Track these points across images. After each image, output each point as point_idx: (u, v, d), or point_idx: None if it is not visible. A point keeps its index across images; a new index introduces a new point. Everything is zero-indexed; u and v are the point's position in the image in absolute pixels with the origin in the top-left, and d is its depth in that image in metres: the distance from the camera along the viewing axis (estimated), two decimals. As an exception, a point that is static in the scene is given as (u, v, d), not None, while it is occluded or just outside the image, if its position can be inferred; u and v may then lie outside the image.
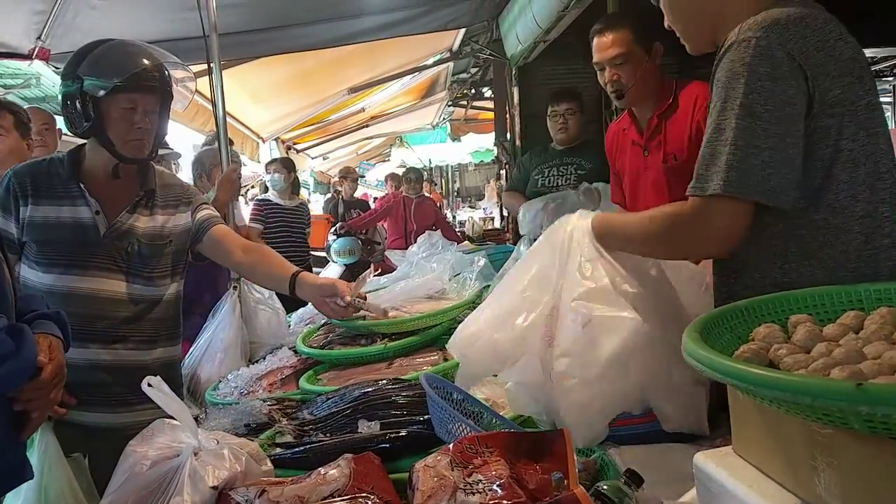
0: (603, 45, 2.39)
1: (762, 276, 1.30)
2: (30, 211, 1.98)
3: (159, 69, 2.02)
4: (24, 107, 3.04)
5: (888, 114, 15.27)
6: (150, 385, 1.34)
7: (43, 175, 2.03)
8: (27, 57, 3.60)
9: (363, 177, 8.40)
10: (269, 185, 5.56)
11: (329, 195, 8.51)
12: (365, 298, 2.13)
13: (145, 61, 1.99)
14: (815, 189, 1.24)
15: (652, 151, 2.41)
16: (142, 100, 1.99)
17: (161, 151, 3.67)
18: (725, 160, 1.21)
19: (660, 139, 2.37)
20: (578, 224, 1.47)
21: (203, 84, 2.97)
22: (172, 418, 1.38)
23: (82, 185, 2.02)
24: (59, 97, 2.01)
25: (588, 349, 1.30)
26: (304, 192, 6.50)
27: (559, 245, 1.45)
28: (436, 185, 16.11)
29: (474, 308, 2.54)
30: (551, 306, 1.40)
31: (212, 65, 3.00)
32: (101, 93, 1.92)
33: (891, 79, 11.27)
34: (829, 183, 1.24)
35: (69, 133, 2.14)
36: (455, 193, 18.04)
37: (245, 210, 5.35)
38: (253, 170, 8.13)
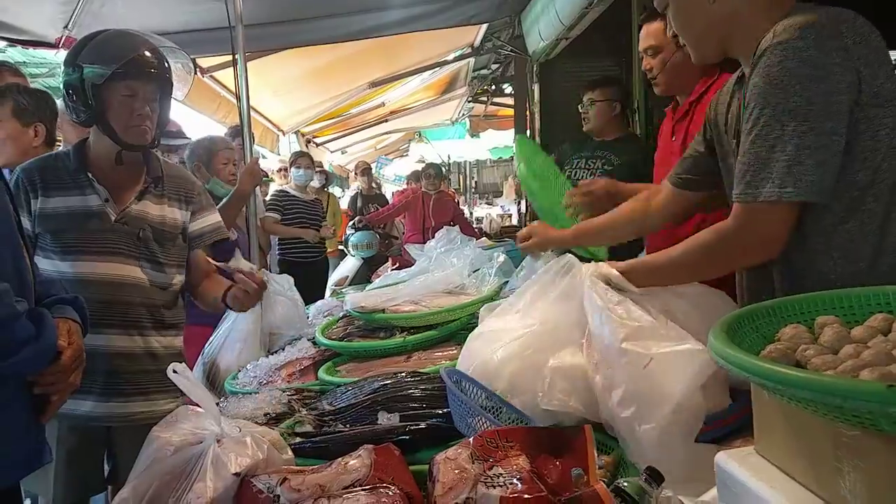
0: (641, 36, 2.49)
1: (808, 274, 1.31)
2: (40, 203, 2.02)
3: (158, 56, 2.05)
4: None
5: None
6: (175, 371, 1.35)
7: (50, 168, 2.07)
8: (53, 46, 3.64)
9: (369, 166, 8.40)
10: (295, 178, 5.58)
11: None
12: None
13: (143, 48, 2.02)
14: (863, 181, 1.25)
15: (677, 135, 2.44)
16: (141, 87, 2.01)
17: (177, 142, 3.71)
18: (779, 165, 1.23)
19: (686, 125, 2.39)
20: (587, 275, 1.45)
21: (226, 76, 3.01)
22: (195, 405, 1.41)
23: (90, 175, 2.04)
24: (62, 86, 2.03)
25: (654, 389, 1.24)
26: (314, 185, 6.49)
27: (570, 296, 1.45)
28: (450, 181, 16.11)
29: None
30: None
31: (237, 56, 3.02)
32: (101, 79, 1.94)
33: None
34: (871, 175, 1.25)
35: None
36: (473, 190, 17.99)
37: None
38: (280, 160, 8.16)
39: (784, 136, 1.22)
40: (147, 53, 2.02)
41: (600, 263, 1.48)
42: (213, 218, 2.28)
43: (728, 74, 2.30)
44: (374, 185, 8.39)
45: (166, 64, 2.07)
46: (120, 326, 2.03)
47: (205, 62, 4.71)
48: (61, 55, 3.81)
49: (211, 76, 4.97)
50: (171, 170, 2.24)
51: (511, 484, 1.11)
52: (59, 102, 2.91)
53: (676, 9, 1.48)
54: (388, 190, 12.97)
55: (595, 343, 1.35)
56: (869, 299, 1.03)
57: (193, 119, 5.02)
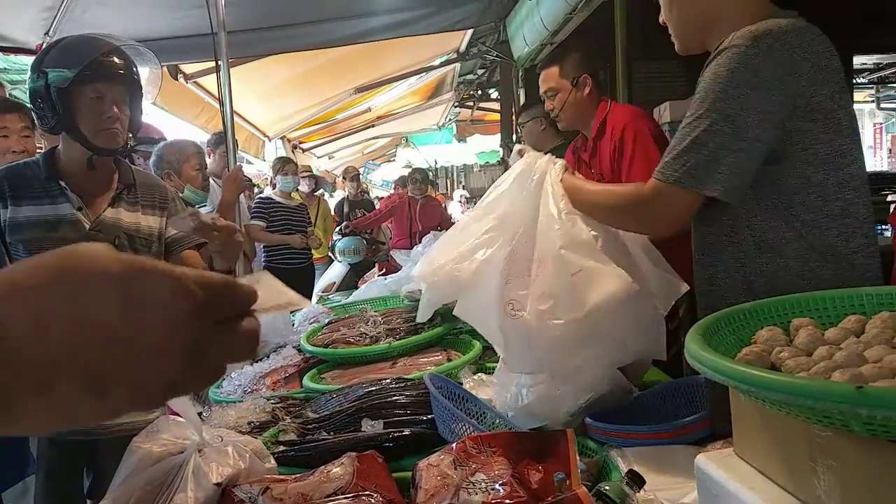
0: (540, 81, 2.79)
1: (742, 266, 1.40)
2: (10, 212, 1.96)
3: (123, 58, 2.01)
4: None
5: (893, 119, 15.28)
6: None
7: (19, 177, 2.02)
8: (35, 52, 3.61)
9: (357, 172, 8.39)
10: (280, 185, 5.55)
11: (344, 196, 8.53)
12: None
13: (107, 49, 1.97)
14: (790, 188, 1.33)
15: (594, 169, 2.67)
16: (109, 89, 1.96)
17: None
18: (697, 157, 1.32)
19: (596, 160, 2.65)
20: (549, 171, 1.63)
21: (210, 81, 3.00)
22: (176, 415, 1.40)
23: (62, 183, 2.01)
24: (28, 94, 1.99)
25: (575, 295, 1.44)
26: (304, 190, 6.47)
27: (530, 190, 1.63)
28: (437, 186, 16.11)
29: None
30: (510, 248, 1.58)
31: (219, 62, 3.01)
32: (66, 83, 1.91)
33: (898, 84, 11.28)
34: (802, 183, 1.33)
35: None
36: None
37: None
38: (258, 168, 8.14)
39: (710, 132, 1.31)
40: (112, 55, 1.99)
41: (561, 165, 1.66)
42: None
43: (627, 108, 2.65)
44: (361, 190, 8.37)
45: (134, 66, 2.05)
46: None
47: (188, 68, 4.69)
48: (44, 62, 3.79)
49: (195, 82, 4.95)
50: (142, 176, 2.21)
51: (493, 490, 1.11)
52: None
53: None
54: (377, 195, 12.98)
55: (538, 241, 1.55)
56: (843, 301, 1.04)
57: (176, 125, 4.99)
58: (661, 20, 1.58)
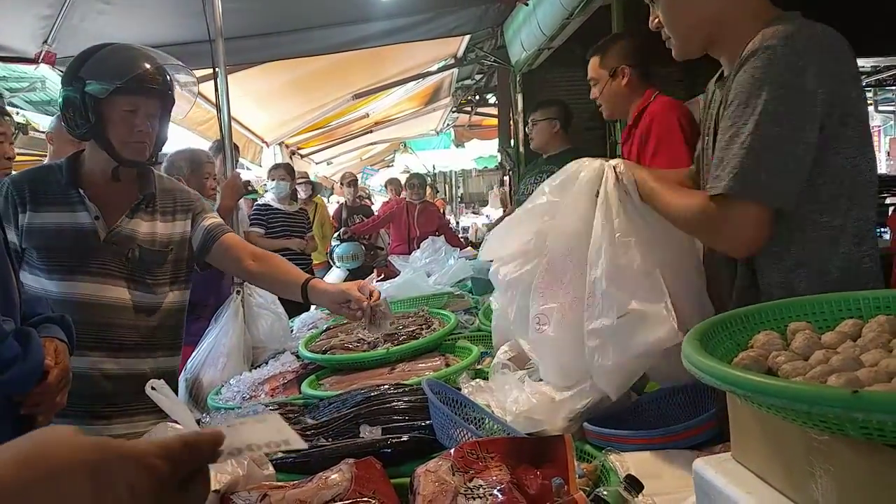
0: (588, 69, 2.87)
1: (786, 282, 1.34)
2: (28, 218, 1.97)
3: (161, 73, 2.01)
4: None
5: (891, 122, 15.29)
6: (153, 388, 1.34)
7: (41, 182, 2.02)
8: (33, 61, 3.62)
9: (355, 178, 8.38)
10: (272, 191, 5.55)
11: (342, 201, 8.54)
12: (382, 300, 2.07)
13: (147, 64, 1.98)
14: (830, 194, 1.29)
15: (624, 155, 2.76)
16: (143, 103, 1.98)
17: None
18: (738, 163, 1.25)
19: (628, 147, 2.73)
20: (606, 176, 1.55)
21: (207, 87, 3.01)
22: (175, 423, 1.39)
23: (81, 191, 2.01)
24: (60, 99, 2.01)
25: (622, 339, 1.43)
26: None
27: (577, 198, 1.59)
28: (438, 191, 16.15)
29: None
30: (546, 259, 1.60)
31: (217, 69, 3.02)
32: (104, 94, 1.92)
33: (895, 87, 11.32)
34: (837, 188, 1.29)
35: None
36: (459, 199, 18.04)
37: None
38: (256, 174, 8.14)
39: (754, 135, 1.24)
40: (151, 69, 1.99)
41: (630, 163, 1.59)
42: (216, 216, 2.25)
43: (663, 99, 2.65)
44: (359, 195, 8.38)
45: (169, 80, 2.04)
46: (106, 349, 1.98)
47: (186, 75, 4.70)
48: (42, 70, 3.80)
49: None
50: (165, 184, 2.19)
51: (491, 495, 1.11)
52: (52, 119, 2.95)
53: (668, 2, 1.48)
54: (378, 200, 12.99)
55: (586, 260, 1.51)
56: (840, 305, 1.04)
57: (172, 130, 4.98)
58: (651, 26, 1.53)
